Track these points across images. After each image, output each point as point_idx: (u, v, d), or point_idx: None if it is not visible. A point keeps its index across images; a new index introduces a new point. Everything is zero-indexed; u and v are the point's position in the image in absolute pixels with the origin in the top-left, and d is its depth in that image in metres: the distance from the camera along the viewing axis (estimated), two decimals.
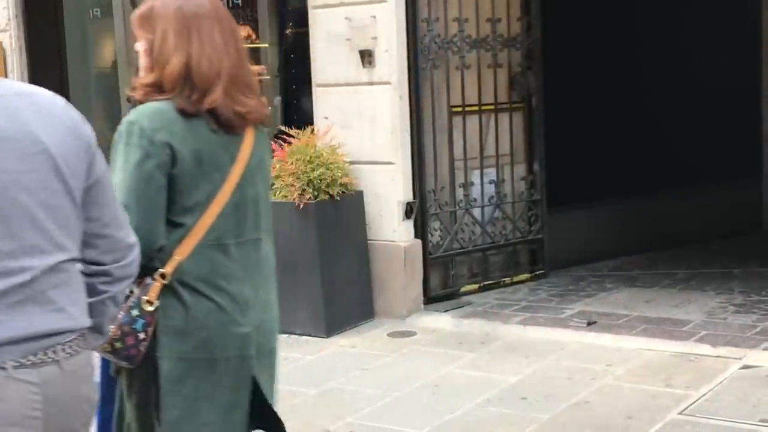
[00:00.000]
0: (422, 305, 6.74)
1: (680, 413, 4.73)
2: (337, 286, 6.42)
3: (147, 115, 2.60)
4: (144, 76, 2.69)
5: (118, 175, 2.60)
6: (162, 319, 2.63)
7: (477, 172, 7.09)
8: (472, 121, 7.04)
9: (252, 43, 8.23)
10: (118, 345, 2.60)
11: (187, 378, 2.66)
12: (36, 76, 8.11)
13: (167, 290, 2.62)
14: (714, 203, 8.98)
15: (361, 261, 6.62)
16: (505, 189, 7.25)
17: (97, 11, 8.82)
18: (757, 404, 4.80)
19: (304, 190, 6.27)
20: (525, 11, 7.25)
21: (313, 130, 6.63)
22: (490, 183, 7.17)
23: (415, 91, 6.64)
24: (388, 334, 6.34)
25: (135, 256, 2.30)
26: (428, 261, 6.77)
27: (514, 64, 7.30)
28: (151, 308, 2.61)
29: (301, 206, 6.27)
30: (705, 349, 5.62)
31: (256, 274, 2.74)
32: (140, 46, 2.71)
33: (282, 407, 5.10)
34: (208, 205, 2.63)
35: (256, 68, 2.82)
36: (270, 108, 8.97)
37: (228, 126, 2.65)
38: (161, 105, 2.61)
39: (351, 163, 6.57)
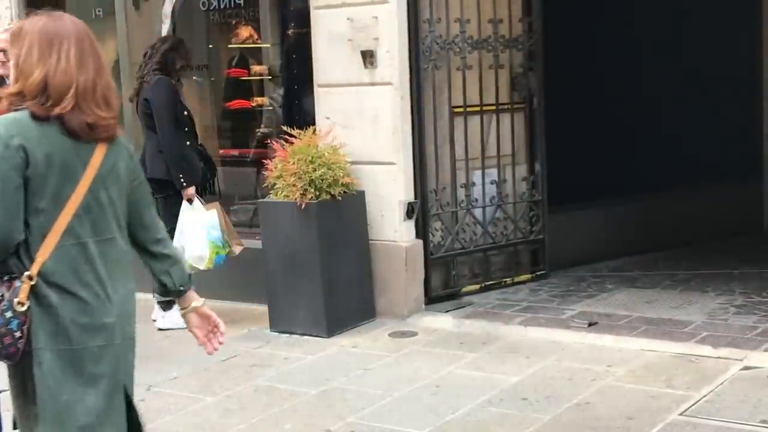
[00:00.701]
0: (423, 305, 6.74)
1: (681, 414, 4.74)
2: (339, 286, 6.42)
3: (3, 123, 2.87)
4: (11, 87, 2.97)
5: None
6: (35, 317, 2.86)
7: (478, 173, 7.10)
8: (474, 122, 7.05)
9: (254, 43, 8.24)
10: None
11: (67, 368, 2.89)
12: None
13: (35, 290, 2.86)
14: (715, 204, 8.99)
15: (362, 261, 6.62)
16: (506, 189, 7.26)
17: (99, 11, 8.82)
18: (758, 405, 4.80)
19: (305, 190, 6.27)
20: (526, 12, 7.26)
21: (314, 131, 6.64)
22: (492, 183, 7.17)
23: (417, 92, 6.64)
24: (390, 334, 6.35)
25: None
26: (429, 261, 6.78)
27: (516, 65, 7.30)
28: (23, 308, 2.84)
29: (303, 206, 6.27)
30: (706, 350, 5.62)
31: (114, 269, 2.98)
32: (11, 62, 3.00)
33: (283, 407, 5.13)
34: (62, 207, 2.88)
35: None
36: (271, 108, 8.94)
37: (75, 134, 2.90)
38: (18, 114, 2.88)
39: (352, 163, 6.58)
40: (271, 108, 8.26)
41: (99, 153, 2.94)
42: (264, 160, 6.80)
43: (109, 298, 2.94)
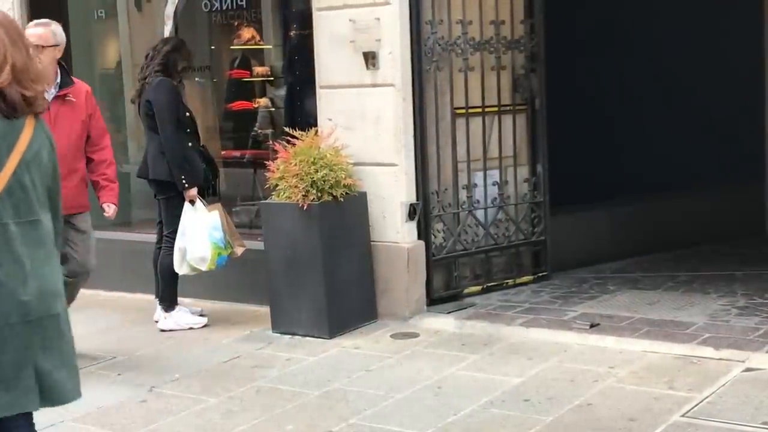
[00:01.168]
0: (425, 306, 6.74)
1: (683, 416, 4.74)
2: (340, 287, 6.43)
3: None
4: None
5: None
6: None
7: (480, 174, 7.10)
8: (476, 123, 7.05)
9: (256, 44, 8.25)
10: None
11: None
12: None
13: None
14: (717, 205, 8.99)
15: (364, 262, 6.62)
16: (508, 191, 7.26)
17: (101, 12, 8.84)
18: (759, 407, 4.80)
19: (307, 191, 6.27)
20: (528, 14, 7.26)
21: (316, 132, 6.64)
22: (493, 185, 7.17)
23: (419, 93, 6.64)
24: (391, 336, 6.35)
25: None
26: (431, 262, 6.77)
27: (518, 66, 7.30)
28: None
29: (305, 207, 6.27)
30: (708, 351, 5.62)
31: (34, 250, 3.14)
32: None
33: (285, 408, 5.13)
34: None
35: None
36: (273, 109, 8.95)
37: (13, 107, 3.08)
38: None
39: (354, 164, 6.58)
40: (272, 109, 8.27)
41: (25, 137, 3.10)
42: (266, 162, 6.80)
43: (26, 277, 3.08)
